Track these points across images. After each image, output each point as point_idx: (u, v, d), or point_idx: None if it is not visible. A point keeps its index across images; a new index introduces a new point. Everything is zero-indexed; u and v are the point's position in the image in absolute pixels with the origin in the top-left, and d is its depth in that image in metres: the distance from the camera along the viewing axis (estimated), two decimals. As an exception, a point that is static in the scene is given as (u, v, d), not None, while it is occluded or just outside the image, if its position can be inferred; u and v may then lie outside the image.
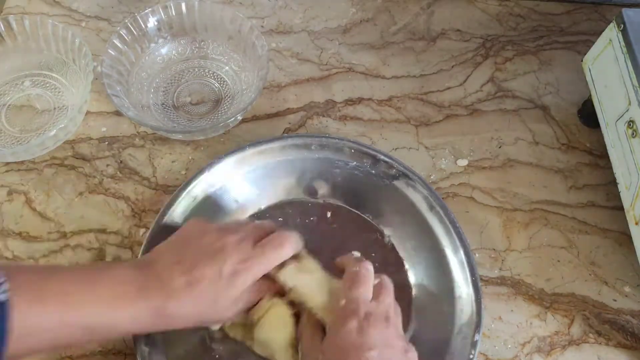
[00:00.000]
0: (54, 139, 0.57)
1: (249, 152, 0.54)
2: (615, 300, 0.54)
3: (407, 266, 0.53)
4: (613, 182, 0.56)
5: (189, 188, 0.52)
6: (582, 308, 0.54)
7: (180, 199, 0.52)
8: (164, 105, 0.63)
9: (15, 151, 0.56)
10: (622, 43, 0.54)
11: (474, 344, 0.47)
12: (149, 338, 0.46)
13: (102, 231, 0.55)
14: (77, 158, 0.59)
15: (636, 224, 0.51)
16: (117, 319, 0.40)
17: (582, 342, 0.52)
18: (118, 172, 0.58)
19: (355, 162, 0.55)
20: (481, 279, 0.54)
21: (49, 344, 0.39)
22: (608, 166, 0.57)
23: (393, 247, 0.54)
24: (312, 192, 0.56)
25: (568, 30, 0.72)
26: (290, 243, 0.45)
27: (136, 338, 0.46)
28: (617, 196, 0.55)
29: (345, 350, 0.39)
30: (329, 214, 0.55)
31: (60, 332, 0.38)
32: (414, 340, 0.48)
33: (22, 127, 0.60)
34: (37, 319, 0.37)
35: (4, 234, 0.54)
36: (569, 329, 0.53)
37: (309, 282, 0.45)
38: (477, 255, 0.56)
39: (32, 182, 0.57)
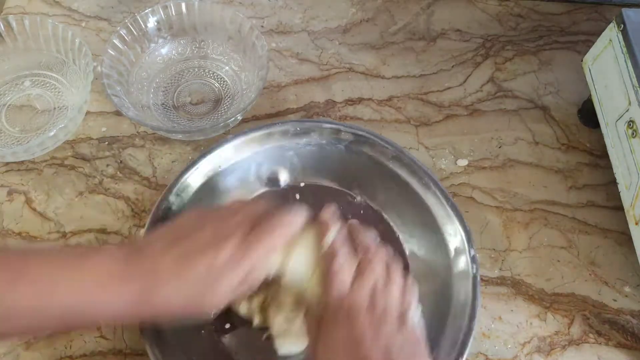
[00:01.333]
0: (54, 139, 0.57)
1: (204, 161, 0.53)
2: (615, 300, 0.54)
3: (385, 215, 0.55)
4: (613, 182, 0.56)
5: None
6: (582, 308, 0.54)
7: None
8: (164, 106, 0.63)
9: (15, 151, 0.56)
10: (622, 43, 0.54)
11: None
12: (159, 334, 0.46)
13: (102, 231, 0.55)
14: (77, 158, 0.59)
15: (636, 224, 0.51)
16: (100, 305, 0.39)
17: (582, 342, 0.52)
18: (118, 172, 0.58)
19: (304, 139, 0.55)
20: (481, 279, 0.54)
21: (26, 327, 0.38)
22: (608, 166, 0.57)
23: (367, 204, 0.56)
24: (275, 182, 0.57)
25: (568, 30, 0.72)
26: (282, 227, 0.43)
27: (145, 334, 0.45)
28: (617, 196, 0.55)
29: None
30: (297, 196, 0.56)
31: (37, 316, 0.38)
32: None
33: (22, 127, 0.60)
34: (13, 302, 0.36)
35: (4, 234, 0.54)
36: (569, 329, 0.53)
37: (298, 268, 0.44)
38: (477, 255, 0.55)
39: (32, 182, 0.57)
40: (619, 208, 0.55)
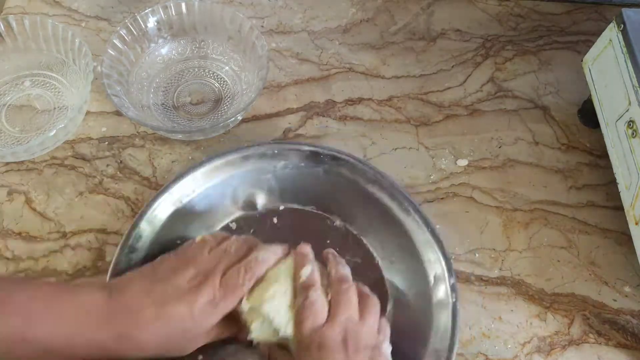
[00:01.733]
0: (53, 139, 0.57)
1: (175, 186, 0.51)
2: (615, 300, 0.54)
3: (364, 240, 0.54)
4: (613, 182, 0.56)
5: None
6: (582, 308, 0.54)
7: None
8: (164, 106, 0.63)
9: (15, 151, 0.56)
10: (622, 43, 0.54)
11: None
12: None
13: (102, 231, 0.55)
14: (77, 158, 0.59)
15: (636, 224, 0.51)
16: (78, 342, 0.39)
17: (582, 342, 0.52)
18: (118, 172, 0.58)
19: (282, 161, 0.54)
20: (481, 279, 0.54)
21: (4, 356, 0.38)
22: (608, 166, 0.57)
23: (346, 228, 0.54)
24: (252, 206, 0.55)
25: (568, 30, 0.72)
26: (258, 266, 0.44)
27: None
28: (617, 196, 0.55)
29: None
30: (275, 220, 0.55)
31: (18, 347, 0.38)
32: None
33: (22, 127, 0.60)
34: None
35: (4, 234, 0.54)
36: (569, 329, 0.53)
37: (274, 303, 0.43)
38: (477, 255, 0.56)
39: (32, 182, 0.57)
40: (619, 208, 0.55)
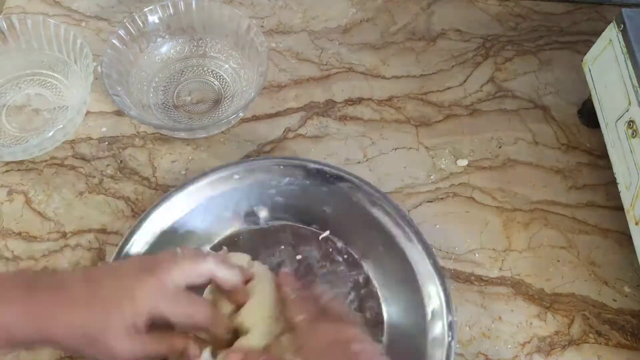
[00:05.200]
0: (52, 140, 0.57)
1: (177, 196, 0.51)
2: (615, 300, 0.54)
3: (364, 265, 0.53)
4: (613, 182, 0.56)
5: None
6: (582, 308, 0.54)
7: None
8: (164, 105, 0.63)
9: (14, 151, 0.56)
10: (622, 43, 0.54)
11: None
12: None
13: (102, 231, 0.55)
14: (77, 158, 0.59)
15: (636, 224, 0.51)
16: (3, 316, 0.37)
17: (582, 342, 0.52)
18: (118, 172, 0.58)
19: (287, 178, 0.53)
20: (481, 279, 0.54)
21: None
22: (608, 166, 0.57)
23: (347, 250, 0.53)
24: (254, 220, 0.54)
25: (568, 30, 0.72)
26: (205, 257, 0.42)
27: None
28: (617, 196, 0.55)
29: None
30: (276, 236, 0.54)
31: None
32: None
33: (22, 127, 0.60)
34: None
35: (4, 234, 0.54)
36: (569, 329, 0.53)
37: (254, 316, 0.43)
38: (477, 255, 0.56)
39: (32, 182, 0.57)
40: (619, 208, 0.55)
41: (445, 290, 0.48)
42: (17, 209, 0.56)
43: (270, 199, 0.54)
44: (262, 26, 0.69)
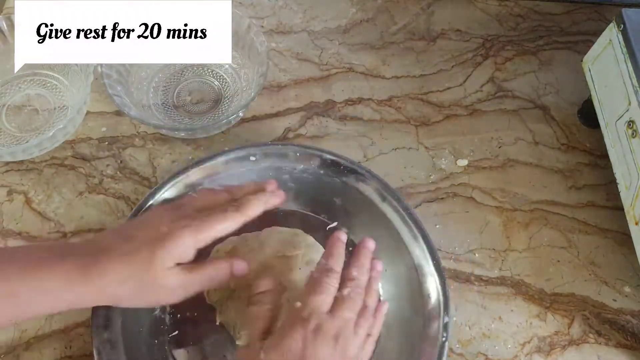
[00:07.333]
0: (52, 140, 0.57)
1: (194, 171, 0.52)
2: (615, 300, 0.54)
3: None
4: (613, 182, 0.56)
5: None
6: (582, 308, 0.54)
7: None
8: (164, 105, 0.63)
9: (13, 151, 0.56)
10: (622, 43, 0.54)
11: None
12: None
13: (102, 231, 0.55)
14: (77, 158, 0.59)
15: (636, 224, 0.51)
16: (43, 281, 0.38)
17: (582, 342, 0.52)
18: (118, 172, 0.58)
19: (302, 166, 0.54)
20: (481, 279, 0.54)
21: None
22: (608, 166, 0.57)
23: (353, 243, 0.53)
24: None
25: (568, 30, 0.72)
26: (237, 210, 0.43)
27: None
28: (617, 196, 0.55)
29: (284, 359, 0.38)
30: (286, 221, 0.53)
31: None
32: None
33: (21, 127, 0.60)
34: None
35: (4, 234, 0.54)
36: (569, 329, 0.53)
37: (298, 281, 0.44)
38: (477, 255, 0.56)
39: (32, 182, 0.57)
40: (619, 208, 0.55)
41: (444, 290, 0.48)
42: (17, 209, 0.56)
43: (283, 184, 0.54)
44: (262, 26, 0.70)
